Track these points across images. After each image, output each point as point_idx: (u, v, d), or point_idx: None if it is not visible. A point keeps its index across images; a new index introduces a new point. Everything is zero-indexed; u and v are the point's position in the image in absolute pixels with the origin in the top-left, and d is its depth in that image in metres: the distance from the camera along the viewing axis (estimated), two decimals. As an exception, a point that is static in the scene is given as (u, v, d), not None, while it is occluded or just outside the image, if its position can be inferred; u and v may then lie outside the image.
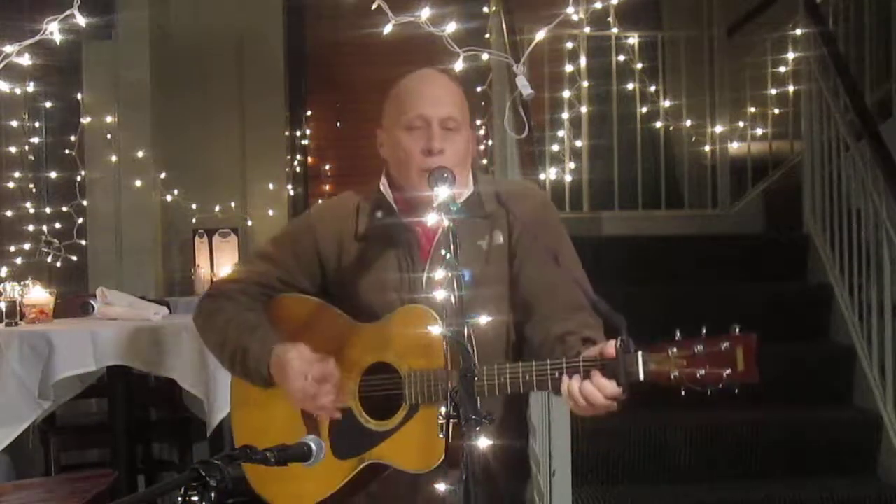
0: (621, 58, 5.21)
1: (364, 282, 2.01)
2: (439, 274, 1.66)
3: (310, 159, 6.64)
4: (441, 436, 1.59)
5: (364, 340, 1.97)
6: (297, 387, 1.92)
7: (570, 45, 5.17)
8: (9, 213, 4.85)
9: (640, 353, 1.66)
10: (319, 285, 2.09)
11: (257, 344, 2.00)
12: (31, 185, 5.03)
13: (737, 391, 1.63)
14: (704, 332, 1.65)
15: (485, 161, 5.16)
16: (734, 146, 5.38)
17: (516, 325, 2.01)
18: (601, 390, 1.69)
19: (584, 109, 5.20)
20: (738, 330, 1.64)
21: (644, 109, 5.32)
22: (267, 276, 2.10)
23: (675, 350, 1.64)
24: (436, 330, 1.71)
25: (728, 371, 1.62)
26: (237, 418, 2.16)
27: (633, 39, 5.23)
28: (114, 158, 5.26)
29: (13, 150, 4.93)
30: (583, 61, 5.13)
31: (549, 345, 1.88)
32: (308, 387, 1.91)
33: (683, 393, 1.65)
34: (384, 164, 2.08)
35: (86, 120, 5.12)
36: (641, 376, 1.66)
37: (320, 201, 2.20)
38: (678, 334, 1.66)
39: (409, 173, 1.97)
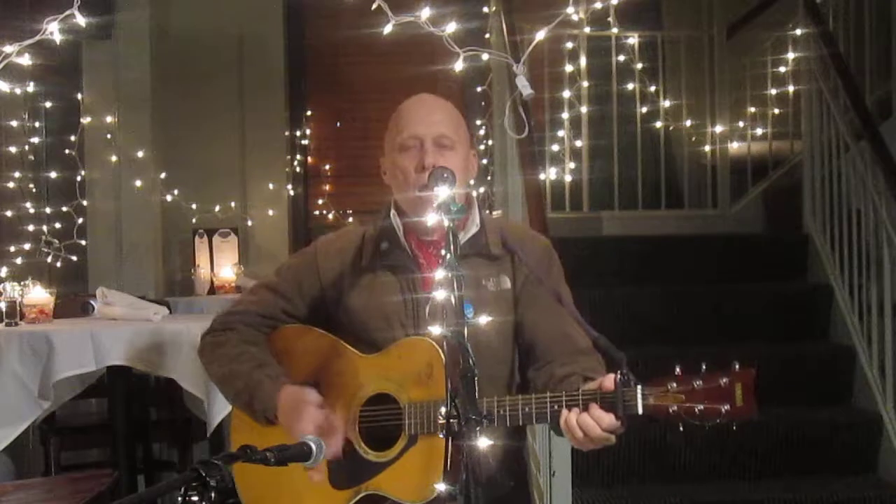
0: (621, 58, 5.21)
1: (366, 313, 2.02)
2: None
3: (310, 159, 6.62)
4: (441, 435, 1.58)
5: (365, 371, 1.97)
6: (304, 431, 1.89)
7: (570, 45, 5.17)
8: (9, 213, 4.84)
9: (639, 386, 1.68)
10: (322, 317, 2.10)
11: (262, 392, 1.99)
12: (31, 185, 5.02)
13: (735, 427, 1.64)
14: (704, 367, 1.67)
15: (485, 161, 5.16)
16: (734, 146, 5.37)
17: (520, 367, 2.05)
18: (598, 422, 1.71)
19: (584, 109, 5.19)
20: (737, 366, 1.66)
21: (644, 109, 5.31)
22: (270, 307, 2.11)
23: (674, 385, 1.66)
24: (436, 330, 1.70)
25: (726, 406, 1.64)
26: (235, 439, 2.14)
27: (633, 39, 5.23)
28: (114, 158, 5.26)
29: (13, 150, 4.91)
30: (583, 61, 5.13)
31: (552, 386, 1.91)
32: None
33: (682, 428, 1.66)
34: (391, 193, 2.09)
35: (86, 120, 5.11)
36: (640, 410, 1.68)
37: (337, 231, 2.19)
38: (678, 369, 1.67)
39: (407, 192, 1.99)
